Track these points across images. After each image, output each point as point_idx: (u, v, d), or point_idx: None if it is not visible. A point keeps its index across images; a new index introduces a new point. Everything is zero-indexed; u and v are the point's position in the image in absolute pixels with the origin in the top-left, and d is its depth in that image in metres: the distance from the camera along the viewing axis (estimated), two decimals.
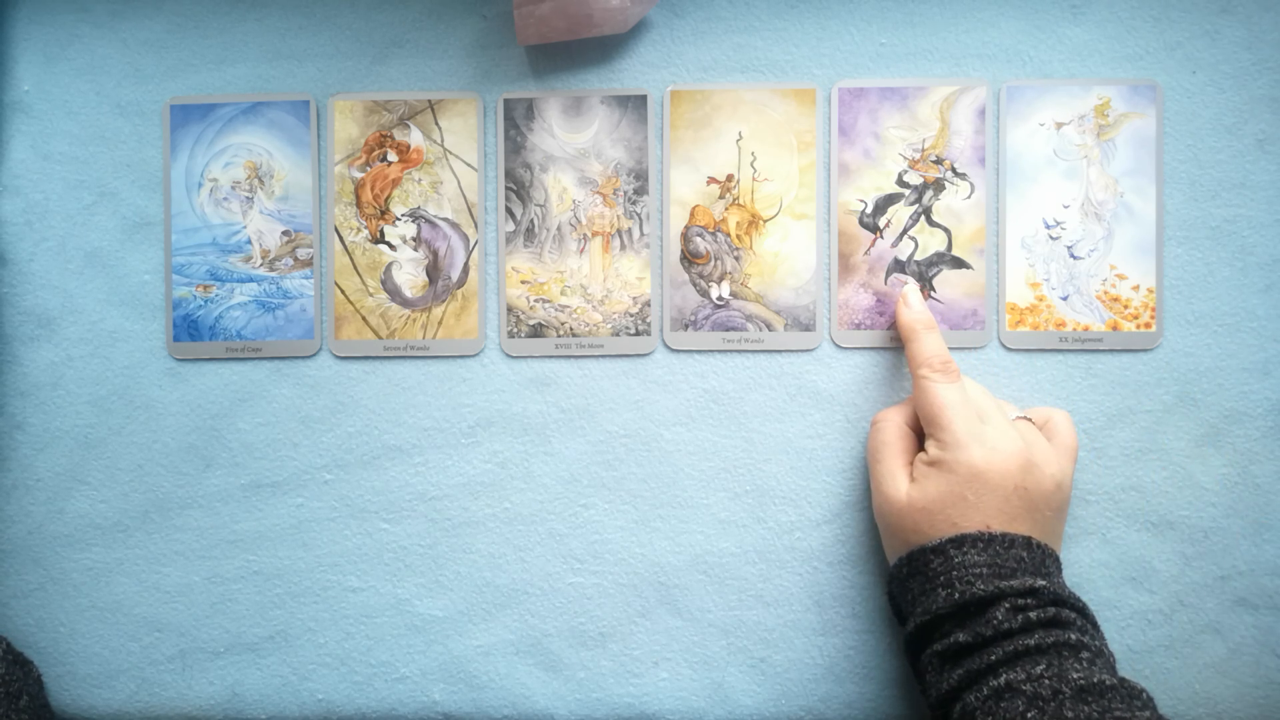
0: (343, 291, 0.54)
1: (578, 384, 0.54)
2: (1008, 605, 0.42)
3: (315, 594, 0.54)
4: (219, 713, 0.54)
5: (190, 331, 0.54)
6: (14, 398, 0.54)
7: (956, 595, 0.43)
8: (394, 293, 0.54)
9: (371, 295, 0.54)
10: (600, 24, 0.51)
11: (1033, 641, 0.41)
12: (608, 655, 0.53)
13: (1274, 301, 0.53)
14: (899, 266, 0.54)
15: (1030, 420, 0.49)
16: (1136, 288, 0.53)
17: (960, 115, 0.54)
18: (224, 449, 0.54)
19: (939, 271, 0.54)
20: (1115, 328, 0.53)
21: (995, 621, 0.42)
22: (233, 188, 0.55)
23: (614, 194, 0.54)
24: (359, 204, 0.54)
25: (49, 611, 0.54)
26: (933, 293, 0.53)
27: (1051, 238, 0.53)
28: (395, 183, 0.54)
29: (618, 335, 0.54)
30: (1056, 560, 0.46)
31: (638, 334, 0.54)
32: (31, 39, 0.55)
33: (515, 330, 0.54)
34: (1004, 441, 0.46)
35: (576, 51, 0.54)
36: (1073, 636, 0.41)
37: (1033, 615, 0.42)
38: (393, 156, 0.54)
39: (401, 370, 0.54)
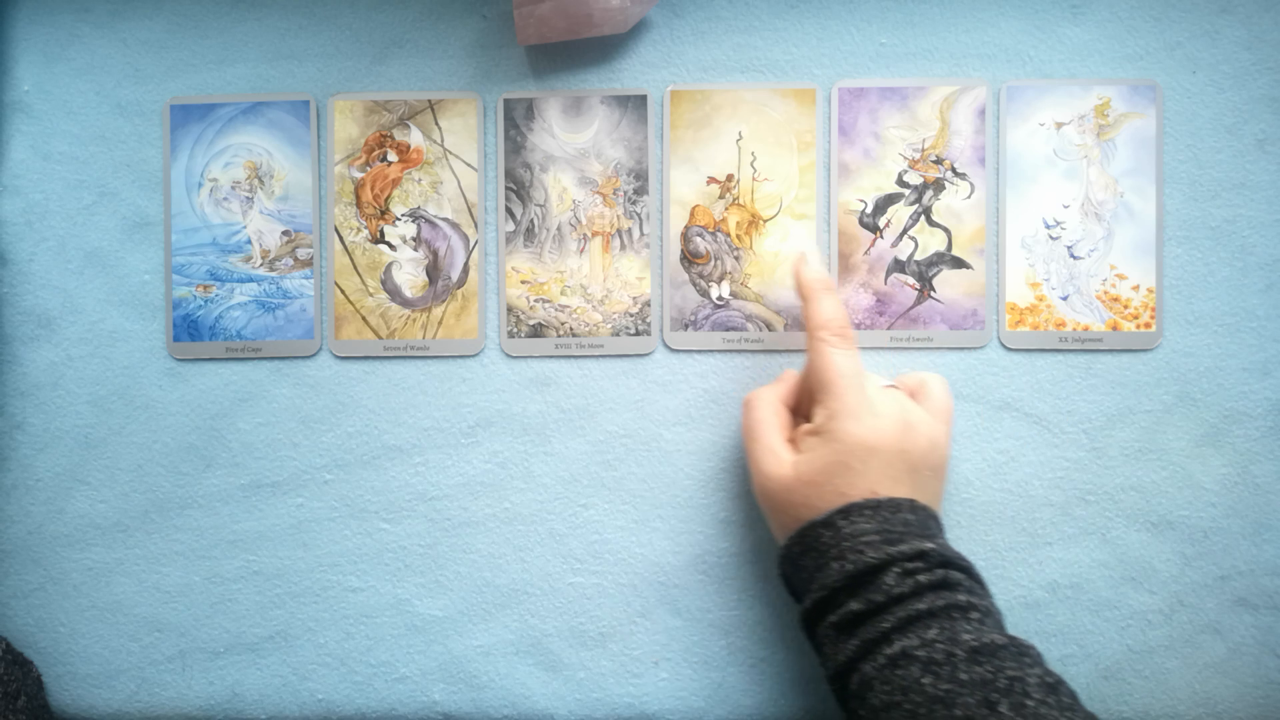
0: (343, 291, 0.54)
1: (578, 384, 0.54)
2: (898, 570, 0.42)
3: (315, 594, 0.54)
4: (219, 713, 0.54)
5: (190, 331, 0.54)
6: (14, 398, 0.54)
7: (849, 566, 0.43)
8: (394, 293, 0.54)
9: (371, 295, 0.54)
10: (600, 24, 0.51)
11: (924, 606, 0.41)
12: (608, 655, 0.53)
13: (1274, 301, 0.53)
14: (899, 266, 0.54)
15: (897, 387, 0.50)
16: (1136, 288, 0.53)
17: (960, 115, 0.54)
18: (224, 449, 0.54)
19: (939, 271, 0.54)
20: (1115, 328, 0.53)
21: (886, 587, 0.42)
22: (233, 188, 0.55)
23: (614, 194, 0.54)
24: (359, 204, 0.54)
25: (49, 611, 0.54)
26: (933, 293, 0.53)
27: (1051, 238, 0.53)
28: (395, 183, 0.54)
29: (618, 335, 0.54)
30: (938, 521, 0.46)
31: (638, 334, 0.54)
32: (31, 39, 0.55)
33: (515, 330, 0.54)
34: (884, 408, 0.46)
35: (576, 51, 0.54)
36: (961, 598, 0.42)
37: (922, 579, 0.42)
38: (393, 156, 0.54)
39: (401, 370, 0.54)
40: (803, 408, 0.50)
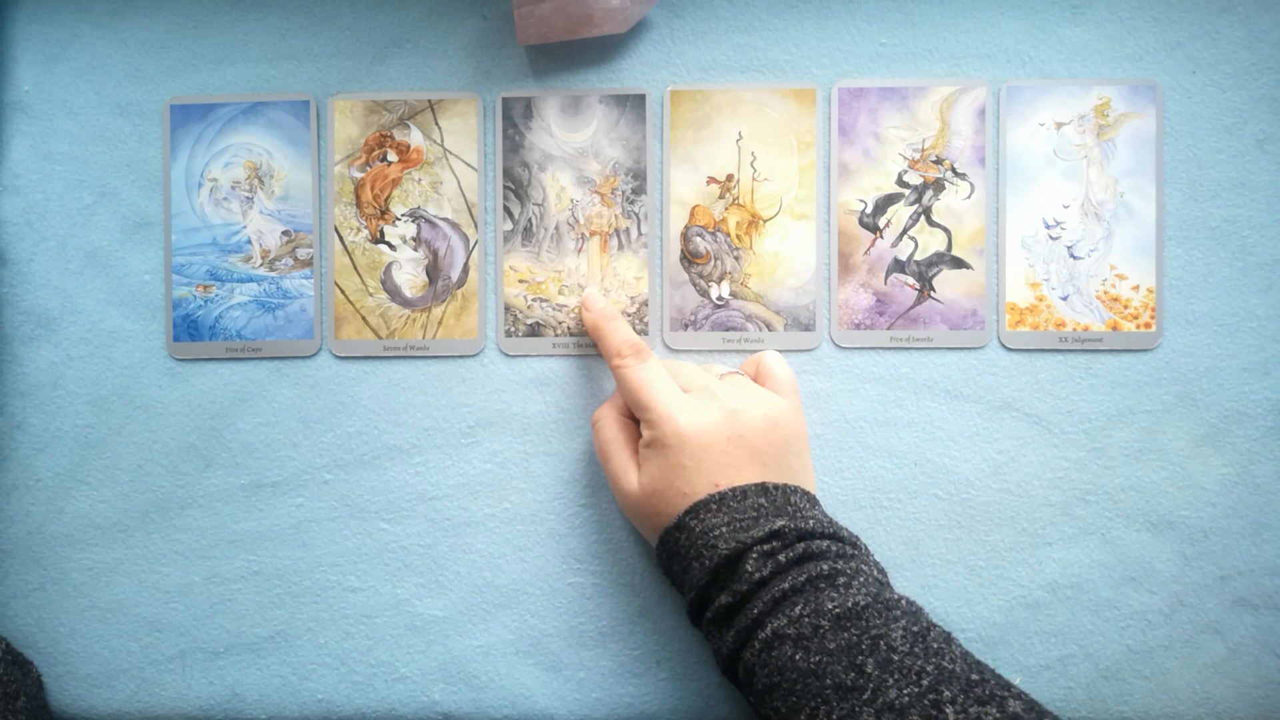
0: (343, 291, 0.54)
1: (578, 384, 0.54)
2: (755, 555, 0.42)
3: (315, 594, 0.54)
4: (219, 713, 0.54)
5: (190, 331, 0.54)
6: (14, 398, 0.54)
7: (708, 562, 0.43)
8: (394, 293, 0.54)
9: (371, 295, 0.54)
10: (600, 24, 0.51)
11: (787, 584, 0.41)
12: (608, 655, 0.53)
13: (1274, 301, 0.53)
14: (899, 266, 0.54)
15: (739, 372, 0.50)
16: (1136, 288, 0.53)
17: (960, 115, 0.54)
18: (224, 449, 0.54)
19: (939, 271, 0.53)
20: (1115, 328, 0.53)
21: (747, 574, 0.42)
22: (233, 188, 0.55)
23: (612, 193, 0.54)
24: (359, 204, 0.54)
25: (49, 611, 0.54)
26: (933, 293, 0.53)
27: (1051, 238, 0.53)
28: (395, 183, 0.54)
29: None
30: (807, 495, 0.46)
31: (636, 333, 0.54)
32: (31, 39, 0.55)
33: (513, 329, 0.54)
34: (703, 402, 0.46)
35: (576, 51, 0.54)
36: (825, 566, 0.42)
37: (781, 558, 0.42)
38: (393, 156, 0.54)
39: (401, 370, 0.54)
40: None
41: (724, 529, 0.43)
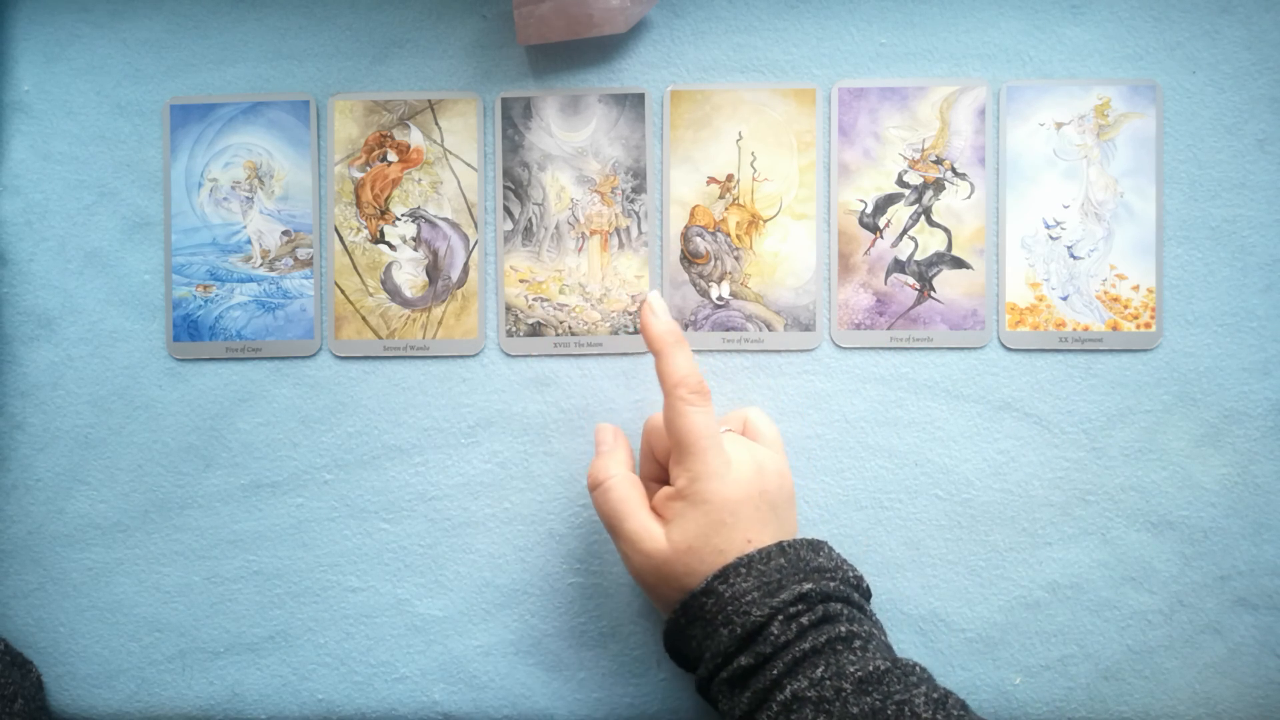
0: (343, 291, 0.54)
1: (577, 384, 0.54)
2: (781, 619, 0.42)
3: (315, 594, 0.54)
4: (219, 713, 0.54)
5: (190, 331, 0.54)
6: (14, 398, 0.54)
7: (739, 630, 0.42)
8: (394, 293, 0.54)
9: (371, 295, 0.54)
10: (600, 24, 0.51)
11: (808, 645, 0.41)
12: (608, 655, 0.53)
13: (1274, 301, 0.53)
14: (899, 266, 0.54)
15: (731, 429, 0.49)
16: (1136, 288, 0.53)
17: (960, 115, 0.54)
18: (224, 449, 0.54)
19: (939, 271, 0.53)
20: (1115, 328, 0.53)
21: (773, 638, 0.41)
22: (233, 188, 0.55)
23: (612, 192, 0.54)
24: (359, 204, 0.54)
25: (49, 611, 0.54)
26: (933, 293, 0.53)
27: (1051, 238, 0.53)
28: (395, 183, 0.54)
29: (616, 334, 0.54)
30: (812, 545, 0.45)
31: (636, 332, 0.54)
32: (31, 39, 0.55)
33: (514, 329, 0.54)
34: (738, 457, 0.45)
35: (576, 51, 0.54)
36: (843, 629, 0.42)
37: (804, 620, 0.42)
38: (393, 156, 0.55)
39: (401, 370, 0.54)
40: (646, 466, 0.50)
41: (755, 594, 0.42)
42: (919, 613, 0.53)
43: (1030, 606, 0.52)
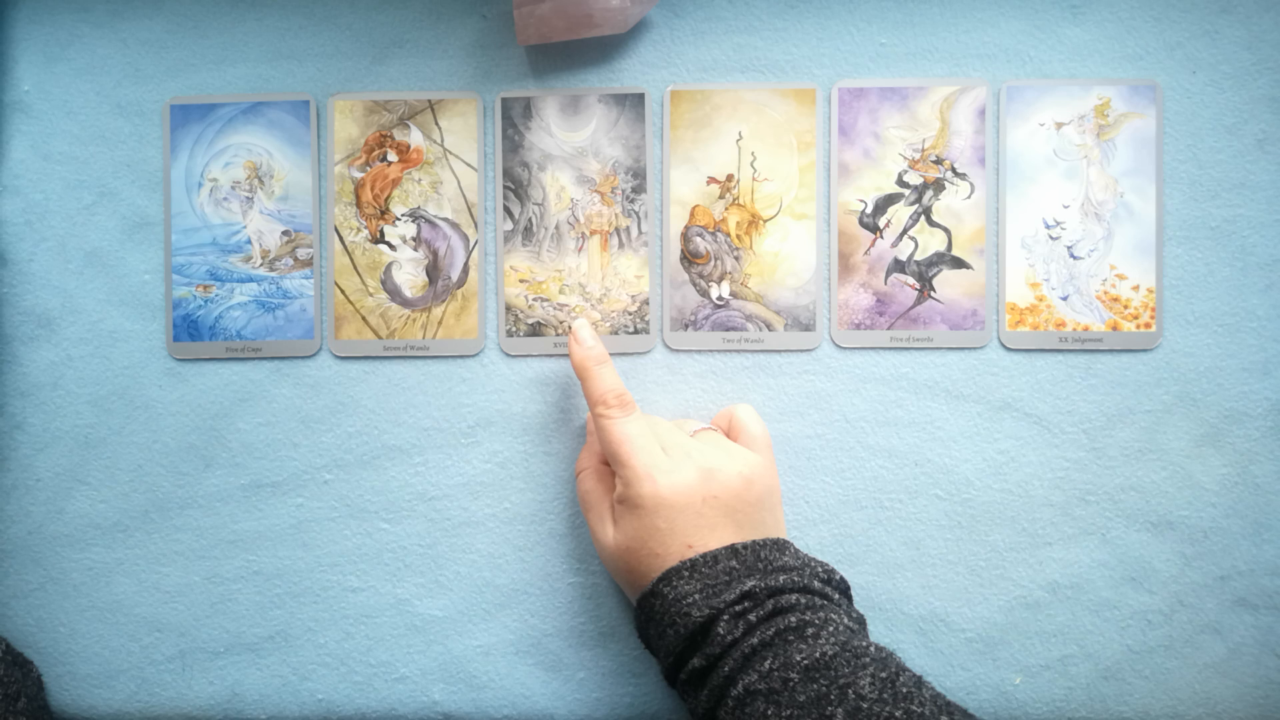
0: (343, 291, 0.54)
1: (578, 384, 0.54)
2: (726, 618, 0.42)
3: (315, 594, 0.54)
4: (219, 713, 0.54)
5: (190, 331, 0.54)
6: (14, 398, 0.54)
7: (682, 630, 0.43)
8: (394, 293, 0.54)
9: (371, 295, 0.54)
10: (600, 24, 0.51)
11: (756, 640, 0.41)
12: (608, 655, 0.53)
13: (1274, 301, 0.53)
14: (899, 266, 0.54)
15: (713, 428, 0.50)
16: (1136, 288, 0.53)
17: (960, 115, 0.54)
18: (224, 449, 0.54)
19: (939, 271, 0.54)
20: (1115, 328, 0.53)
21: (719, 637, 0.42)
22: (233, 188, 0.55)
23: (612, 192, 0.54)
24: (359, 204, 0.54)
25: (49, 611, 0.54)
26: (933, 293, 0.53)
27: (1051, 238, 0.53)
28: (395, 183, 0.54)
29: (616, 334, 0.54)
30: (776, 544, 0.45)
31: (636, 332, 0.54)
32: (31, 39, 0.55)
33: (514, 329, 0.54)
34: (680, 462, 0.46)
35: (576, 51, 0.54)
36: (793, 619, 0.42)
37: (752, 617, 0.42)
38: (393, 156, 0.55)
39: (401, 370, 0.54)
40: (607, 468, 0.51)
41: (696, 595, 0.43)
42: (919, 613, 0.53)
43: (1030, 606, 0.52)
